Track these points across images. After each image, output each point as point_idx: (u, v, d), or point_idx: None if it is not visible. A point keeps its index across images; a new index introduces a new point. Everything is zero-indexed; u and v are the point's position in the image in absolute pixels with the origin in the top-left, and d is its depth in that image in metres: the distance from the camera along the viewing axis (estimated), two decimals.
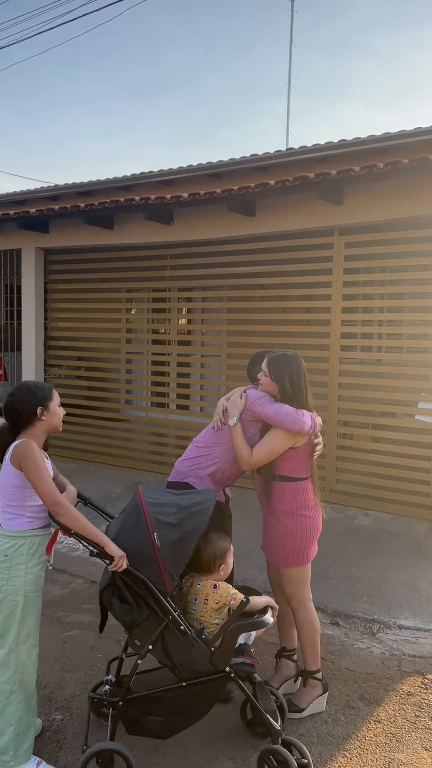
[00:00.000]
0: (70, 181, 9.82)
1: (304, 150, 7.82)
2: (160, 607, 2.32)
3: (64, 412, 2.59)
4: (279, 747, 2.37)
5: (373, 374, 5.25)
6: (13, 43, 17.15)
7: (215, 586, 2.50)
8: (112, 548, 2.31)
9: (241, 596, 2.47)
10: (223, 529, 2.79)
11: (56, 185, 10.83)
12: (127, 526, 2.40)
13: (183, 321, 7.99)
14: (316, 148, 7.81)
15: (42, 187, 11.07)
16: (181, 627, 2.34)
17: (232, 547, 2.63)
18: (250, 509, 4.33)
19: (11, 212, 6.77)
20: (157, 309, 6.98)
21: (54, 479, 2.46)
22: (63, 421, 2.55)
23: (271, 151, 8.02)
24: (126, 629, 2.41)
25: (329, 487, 5.34)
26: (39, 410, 2.44)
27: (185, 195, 5.39)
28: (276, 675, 3.09)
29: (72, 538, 2.37)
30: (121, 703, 2.41)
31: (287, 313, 6.03)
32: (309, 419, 2.80)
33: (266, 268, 5.78)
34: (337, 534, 4.85)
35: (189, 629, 2.36)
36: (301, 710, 2.89)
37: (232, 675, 2.40)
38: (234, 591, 2.50)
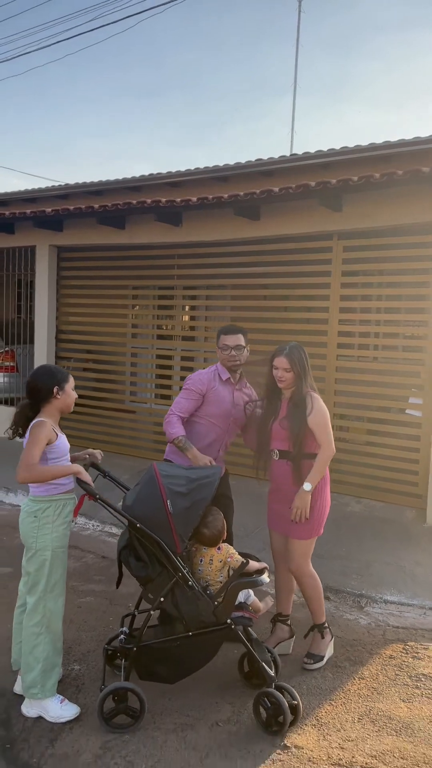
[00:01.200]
0: (77, 178, 10.12)
1: (307, 156, 8.15)
2: (171, 564, 2.67)
3: (77, 396, 2.97)
4: (272, 690, 2.71)
5: (368, 371, 5.58)
6: (32, 51, 17.41)
7: (219, 548, 2.85)
8: (82, 473, 2.76)
9: (240, 558, 2.81)
10: (227, 494, 3.27)
11: (67, 184, 11.16)
12: (143, 495, 2.74)
13: (187, 318, 8.33)
14: (319, 154, 8.15)
15: (53, 186, 11.39)
16: (189, 582, 2.68)
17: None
18: (248, 496, 4.69)
19: (28, 211, 7.10)
20: (162, 306, 7.31)
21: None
22: (78, 412, 2.96)
23: (276, 155, 8.33)
24: (141, 584, 2.75)
25: None
26: (55, 389, 2.81)
27: (194, 199, 5.72)
28: (271, 637, 3.43)
29: (81, 519, 2.75)
30: (135, 649, 2.75)
31: (288, 311, 6.36)
32: None
33: (269, 269, 6.11)
34: (331, 519, 5.14)
35: (196, 585, 2.70)
36: (321, 658, 3.34)
37: (233, 626, 2.74)
38: (234, 551, 2.85)
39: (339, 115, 51.94)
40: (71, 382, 2.90)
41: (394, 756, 2.61)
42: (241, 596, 2.81)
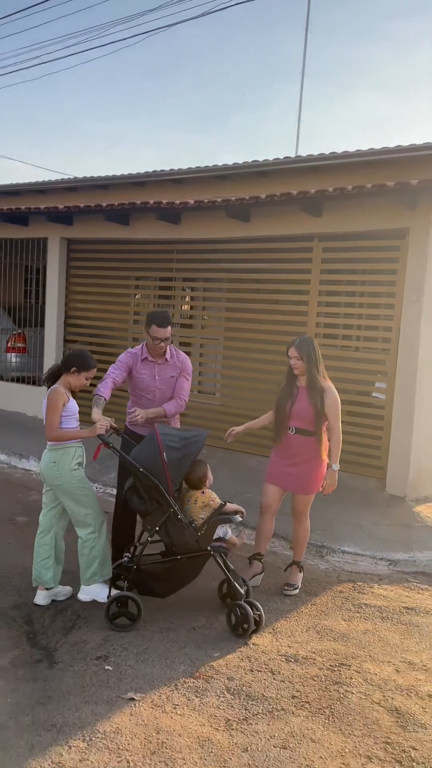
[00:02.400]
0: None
1: (299, 159, 8.83)
2: (165, 502, 3.43)
3: (88, 384, 3.80)
4: (242, 603, 3.48)
5: (342, 359, 6.31)
6: (48, 61, 17.88)
7: (203, 492, 3.62)
8: (96, 428, 3.60)
9: (219, 501, 3.58)
10: None
11: (75, 178, 11.83)
12: (145, 448, 3.52)
13: (186, 307, 9.05)
14: (310, 158, 8.83)
15: (62, 179, 12.08)
16: (179, 516, 3.45)
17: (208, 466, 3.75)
18: (231, 467, 5.43)
19: (42, 206, 7.81)
20: (162, 296, 8.02)
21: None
22: (83, 390, 3.86)
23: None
24: (141, 517, 3.53)
25: None
26: (73, 369, 3.69)
27: (191, 201, 6.43)
28: (248, 570, 4.19)
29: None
30: (135, 567, 3.52)
31: (279, 304, 7.07)
32: None
33: (258, 266, 6.82)
34: None
35: (184, 519, 3.47)
36: (297, 587, 4.17)
37: (212, 552, 3.50)
38: (215, 496, 3.62)
39: (347, 102, 52.07)
40: (90, 372, 3.75)
41: (329, 653, 3.38)
42: (220, 531, 3.57)
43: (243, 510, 3.67)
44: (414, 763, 2.50)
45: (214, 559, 3.54)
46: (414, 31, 45.47)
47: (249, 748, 2.53)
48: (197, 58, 50.26)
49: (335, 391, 4.03)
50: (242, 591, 3.56)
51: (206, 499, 3.60)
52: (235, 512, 3.60)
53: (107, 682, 2.95)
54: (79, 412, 3.88)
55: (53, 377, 3.75)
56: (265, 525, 4.22)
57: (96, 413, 3.76)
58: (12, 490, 6.06)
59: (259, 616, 3.52)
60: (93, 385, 4.07)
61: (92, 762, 2.40)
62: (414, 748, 2.59)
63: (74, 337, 8.65)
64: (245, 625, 3.44)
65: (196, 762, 2.43)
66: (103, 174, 10.87)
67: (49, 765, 2.37)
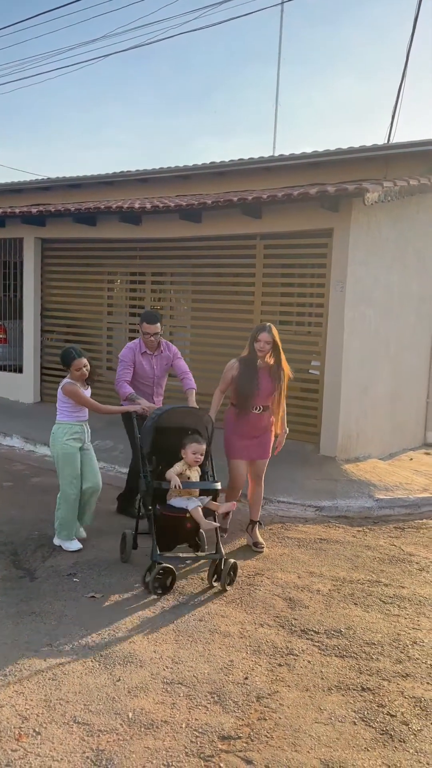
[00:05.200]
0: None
1: (252, 161, 9.75)
2: (142, 459, 4.24)
3: (85, 371, 4.54)
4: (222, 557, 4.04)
5: (283, 341, 7.24)
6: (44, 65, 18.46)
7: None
8: (135, 407, 4.71)
9: (177, 480, 4.50)
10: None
11: (48, 178, 12.63)
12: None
13: (156, 299, 9.93)
14: (261, 160, 9.75)
15: (36, 180, 12.86)
16: (145, 470, 4.20)
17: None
18: None
19: (17, 210, 8.63)
20: (133, 289, 8.89)
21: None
22: (61, 376, 4.76)
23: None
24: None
25: None
26: (65, 368, 4.59)
27: (148, 206, 7.31)
28: (251, 535, 4.81)
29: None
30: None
31: (237, 296, 7.96)
32: None
33: (211, 261, 7.73)
34: None
35: (147, 476, 4.14)
36: (263, 544, 4.71)
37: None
38: (192, 473, 4.18)
39: (325, 84, 52.69)
40: (76, 363, 4.49)
41: (249, 567, 4.35)
42: (181, 502, 4.02)
43: (178, 484, 3.99)
44: (294, 628, 3.49)
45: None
46: (394, 12, 46.08)
47: (174, 621, 3.50)
48: (174, 41, 50.55)
49: (287, 371, 4.70)
50: (223, 549, 4.04)
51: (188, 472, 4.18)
52: (171, 481, 4.03)
53: (75, 587, 3.90)
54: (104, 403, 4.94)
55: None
56: (256, 492, 4.87)
57: (144, 402, 4.84)
58: None
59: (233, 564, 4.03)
60: (115, 379, 4.88)
61: (62, 631, 3.35)
62: (295, 619, 3.58)
63: (51, 327, 9.51)
64: (216, 575, 3.97)
65: (135, 630, 3.39)
66: (74, 174, 11.69)
67: (29, 633, 3.32)
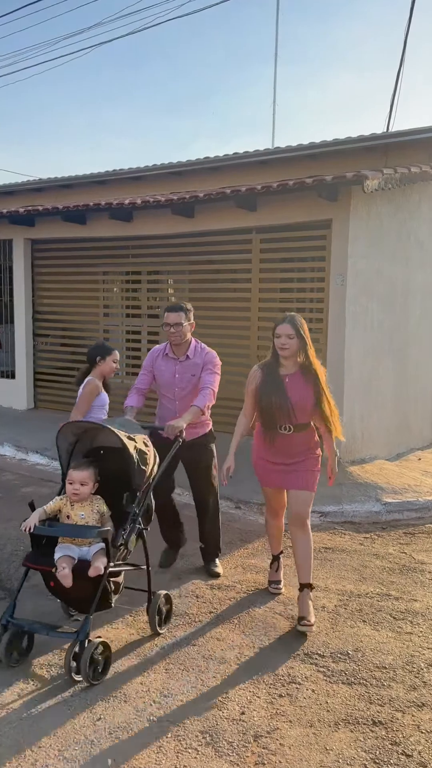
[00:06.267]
0: (52, 173, 11.34)
1: (247, 155, 9.45)
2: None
3: (117, 367, 4.21)
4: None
5: None
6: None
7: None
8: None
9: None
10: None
11: (40, 179, 12.36)
12: None
13: (152, 299, 9.63)
14: (258, 153, 9.45)
15: (27, 181, 12.60)
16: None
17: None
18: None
19: (4, 211, 8.34)
20: (129, 288, 8.57)
21: None
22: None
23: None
24: None
25: None
26: (98, 359, 4.19)
27: (138, 201, 7.01)
28: (272, 573, 3.91)
29: None
30: None
31: (236, 292, 7.65)
32: None
33: (206, 257, 7.43)
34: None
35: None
36: (312, 622, 3.36)
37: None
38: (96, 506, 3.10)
39: (323, 82, 52.42)
40: (113, 356, 4.19)
41: (248, 582, 4.03)
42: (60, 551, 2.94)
43: (28, 526, 2.97)
44: (297, 651, 3.17)
45: None
46: (389, 6, 45.76)
47: (164, 646, 3.19)
48: (171, 44, 50.37)
49: (323, 374, 3.49)
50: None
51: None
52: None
53: (57, 609, 3.59)
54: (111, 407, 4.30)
55: (83, 376, 4.19)
56: (275, 524, 3.82)
57: (128, 419, 3.78)
58: None
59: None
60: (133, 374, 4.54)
61: (39, 660, 3.04)
62: (298, 641, 3.27)
63: (45, 331, 9.22)
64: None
65: (121, 657, 3.08)
66: (67, 174, 11.42)
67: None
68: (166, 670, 2.99)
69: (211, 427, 4.15)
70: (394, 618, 3.58)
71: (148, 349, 8.36)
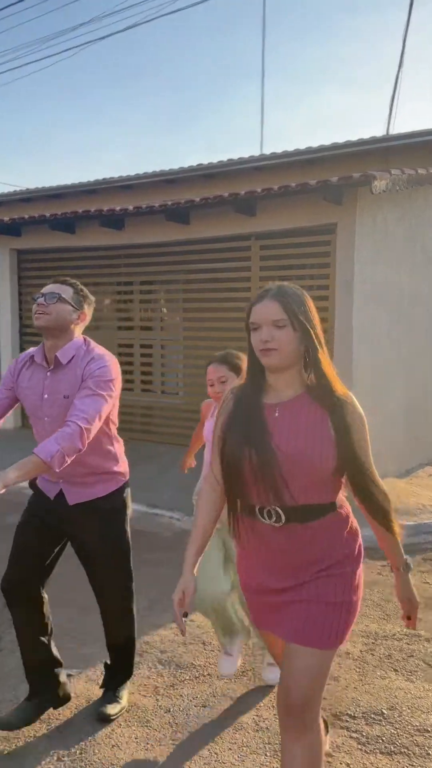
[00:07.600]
0: (48, 171, 10.99)
1: (242, 161, 9.13)
2: None
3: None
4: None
5: None
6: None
7: None
8: None
9: None
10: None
11: (28, 189, 11.99)
12: None
13: (145, 310, 9.22)
14: (252, 159, 9.14)
15: (16, 191, 12.22)
16: None
17: None
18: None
19: None
20: (120, 300, 8.17)
21: None
22: None
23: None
24: None
25: None
26: None
27: (130, 207, 6.63)
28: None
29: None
30: None
31: (233, 302, 7.25)
32: None
33: (202, 266, 7.05)
34: None
35: None
36: None
37: None
38: None
39: (312, 99, 52.82)
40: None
41: None
42: None
43: None
44: (323, 711, 2.73)
45: None
46: (379, 25, 46.24)
47: (171, 709, 2.74)
48: (159, 62, 50.59)
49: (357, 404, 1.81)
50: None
51: None
52: None
53: None
54: None
55: None
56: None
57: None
58: None
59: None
60: (125, 390, 3.81)
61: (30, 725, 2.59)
62: (324, 698, 2.82)
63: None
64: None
65: (120, 724, 2.63)
66: (55, 184, 11.09)
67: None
68: (172, 740, 2.54)
69: (123, 479, 2.61)
70: (429, 665, 3.16)
71: (142, 364, 8.10)
